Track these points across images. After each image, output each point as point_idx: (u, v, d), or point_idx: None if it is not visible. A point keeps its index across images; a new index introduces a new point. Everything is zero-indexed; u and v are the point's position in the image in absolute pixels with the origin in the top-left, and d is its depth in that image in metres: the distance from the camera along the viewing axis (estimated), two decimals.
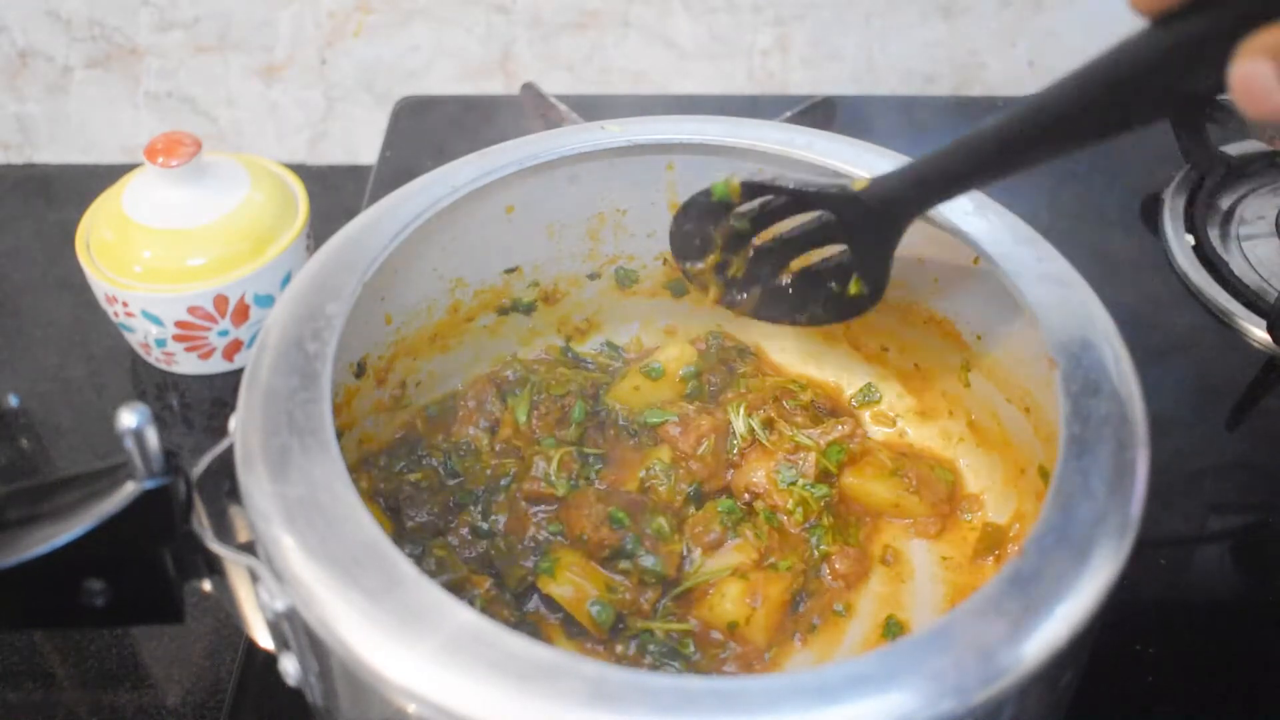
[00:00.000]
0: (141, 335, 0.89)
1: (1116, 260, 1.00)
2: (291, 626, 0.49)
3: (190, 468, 0.52)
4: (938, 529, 0.70)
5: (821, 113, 1.06)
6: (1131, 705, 0.70)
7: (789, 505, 0.70)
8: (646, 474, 0.70)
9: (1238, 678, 0.71)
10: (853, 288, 0.65)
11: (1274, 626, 0.74)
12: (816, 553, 0.68)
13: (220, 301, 0.86)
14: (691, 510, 0.70)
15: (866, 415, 0.77)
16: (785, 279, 0.67)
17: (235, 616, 0.55)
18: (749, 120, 0.72)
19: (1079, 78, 0.45)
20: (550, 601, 0.65)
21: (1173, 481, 0.82)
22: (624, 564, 0.66)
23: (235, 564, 0.51)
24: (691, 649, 0.64)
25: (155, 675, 0.73)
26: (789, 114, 1.04)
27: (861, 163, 0.67)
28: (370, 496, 0.68)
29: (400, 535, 0.67)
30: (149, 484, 0.48)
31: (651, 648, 0.64)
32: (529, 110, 1.05)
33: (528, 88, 1.06)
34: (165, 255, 0.85)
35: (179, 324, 0.87)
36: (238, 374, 0.77)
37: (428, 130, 1.14)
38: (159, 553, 0.51)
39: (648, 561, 0.66)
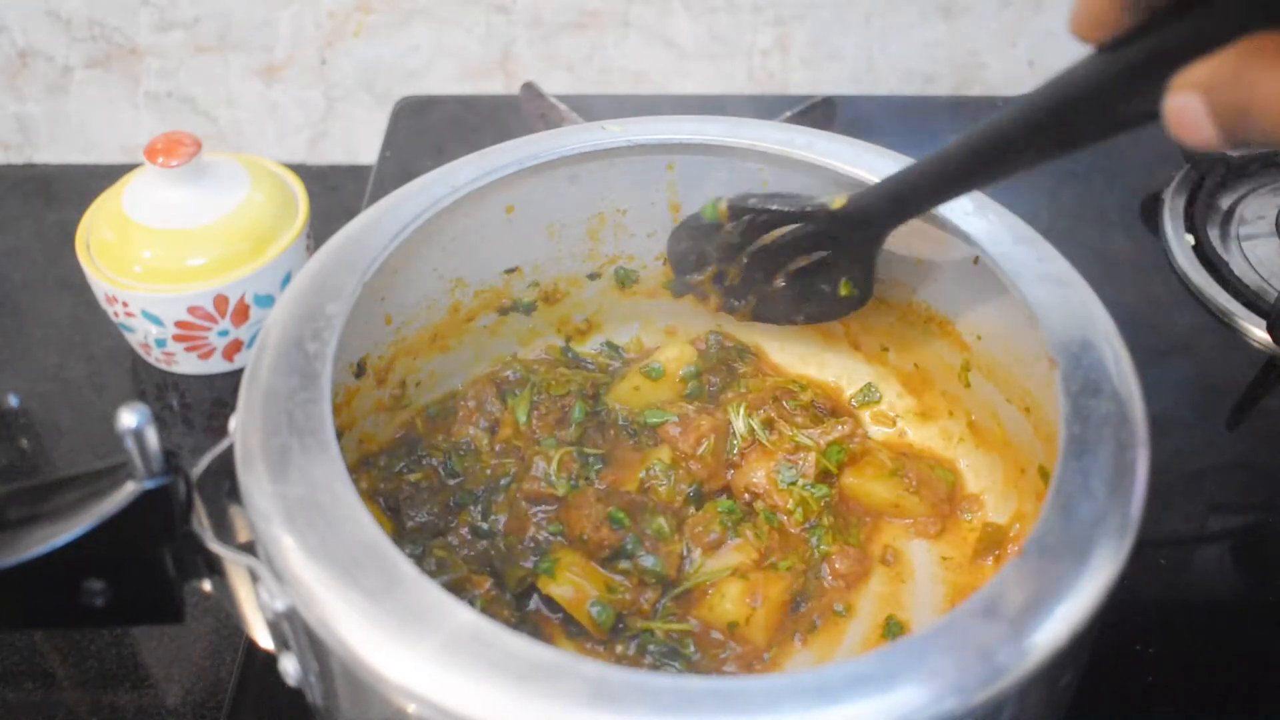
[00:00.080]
0: (141, 335, 0.89)
1: (1116, 260, 1.00)
2: (291, 626, 0.49)
3: (190, 468, 0.52)
4: (938, 529, 0.70)
5: (821, 113, 1.06)
6: (1131, 705, 0.70)
7: (789, 505, 0.70)
8: (646, 474, 0.70)
9: (1238, 678, 0.71)
10: (843, 289, 0.70)
11: (1274, 626, 0.74)
12: (817, 553, 0.68)
13: (220, 301, 0.86)
14: (691, 510, 0.70)
15: (866, 415, 0.77)
16: (779, 282, 0.71)
17: (235, 616, 0.55)
18: (749, 120, 0.72)
19: (1029, 102, 0.49)
20: (550, 601, 0.65)
21: (1173, 481, 0.82)
22: (624, 564, 0.66)
23: (235, 564, 0.51)
24: (691, 649, 0.64)
25: (155, 675, 0.73)
26: (789, 114, 1.04)
27: (861, 163, 0.67)
28: (370, 496, 0.68)
29: (400, 535, 0.67)
30: (149, 484, 0.48)
31: (651, 648, 0.64)
32: (529, 110, 1.05)
33: (528, 88, 1.06)
34: (165, 255, 0.85)
35: (179, 324, 0.87)
36: (238, 374, 0.77)
37: (428, 130, 1.14)
38: (159, 553, 0.51)
39: (648, 561, 0.66)
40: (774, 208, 0.68)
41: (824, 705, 0.42)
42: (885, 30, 1.16)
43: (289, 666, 0.53)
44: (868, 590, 0.68)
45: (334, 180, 1.20)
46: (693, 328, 0.81)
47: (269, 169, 0.93)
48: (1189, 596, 0.76)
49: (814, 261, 0.69)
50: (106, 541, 0.48)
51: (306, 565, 0.47)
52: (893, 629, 0.66)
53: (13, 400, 0.93)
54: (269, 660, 0.56)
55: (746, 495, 0.71)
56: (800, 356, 0.80)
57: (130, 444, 0.47)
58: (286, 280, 0.88)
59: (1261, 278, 0.96)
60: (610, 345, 0.81)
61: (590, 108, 1.01)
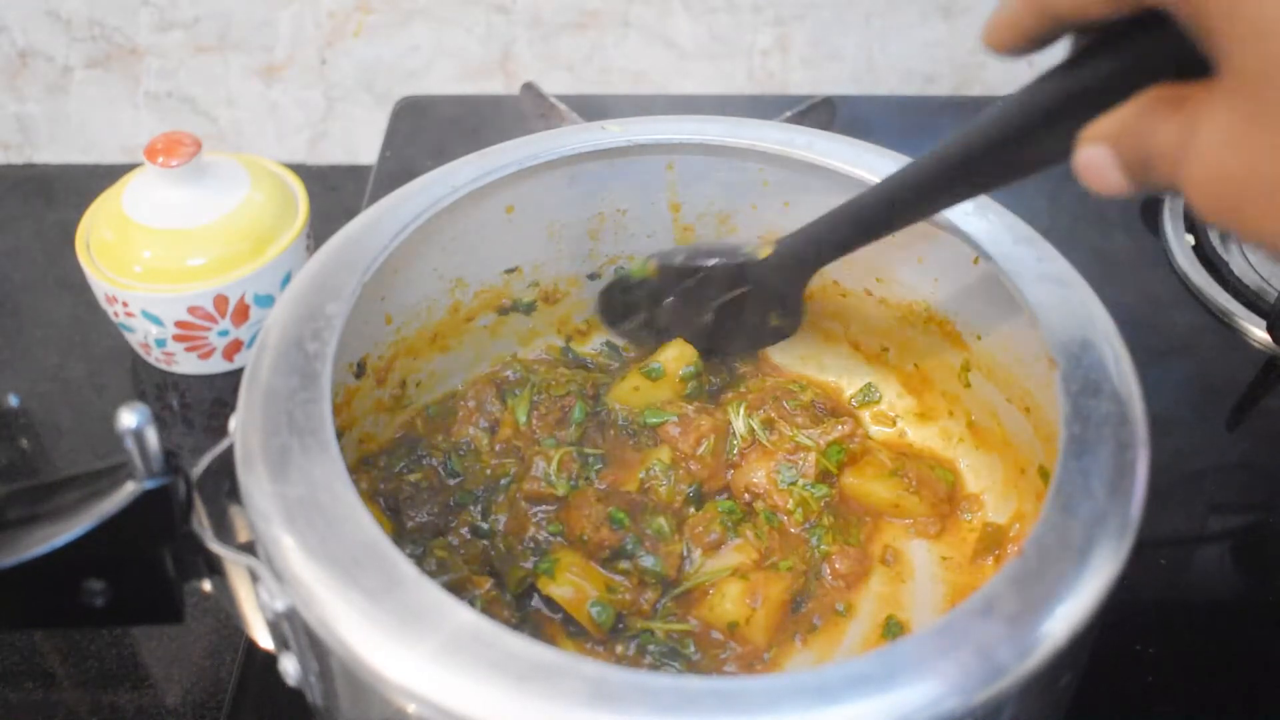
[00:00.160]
0: (141, 335, 0.89)
1: (1116, 260, 1.00)
2: (291, 626, 0.49)
3: (190, 468, 0.52)
4: (938, 529, 0.70)
5: (821, 113, 1.06)
6: (1131, 705, 0.70)
7: (789, 505, 0.70)
8: (646, 474, 0.70)
9: (1238, 678, 0.71)
10: (772, 320, 0.73)
11: (1274, 626, 0.74)
12: (817, 553, 0.68)
13: (220, 301, 0.86)
14: (691, 510, 0.70)
15: (866, 415, 0.77)
16: (707, 317, 0.73)
17: (235, 616, 0.55)
18: (749, 120, 0.72)
19: (942, 153, 0.53)
20: (550, 601, 0.65)
21: (1173, 481, 0.82)
22: (624, 564, 0.66)
23: (235, 564, 0.51)
24: (692, 649, 0.64)
25: (155, 675, 0.73)
26: (789, 114, 1.04)
27: (861, 163, 0.67)
28: (370, 497, 0.68)
29: (400, 535, 0.67)
30: (149, 484, 0.48)
31: (652, 648, 0.64)
32: (529, 110, 1.05)
33: (528, 88, 1.06)
34: (165, 255, 0.85)
35: (179, 324, 0.87)
36: (238, 374, 0.77)
37: (428, 130, 1.14)
38: (159, 553, 0.51)
39: (647, 562, 0.66)
40: (702, 263, 0.71)
41: (824, 705, 0.42)
42: (885, 30, 1.16)
43: (289, 666, 0.53)
44: (868, 590, 0.68)
45: (334, 180, 1.20)
46: None
47: (269, 169, 0.93)
48: (1189, 596, 0.76)
49: (740, 296, 0.71)
50: (106, 541, 0.48)
51: (306, 565, 0.47)
52: (893, 629, 0.66)
53: (13, 400, 0.93)
54: (269, 660, 0.56)
55: (746, 495, 0.71)
56: (800, 356, 0.80)
57: (130, 444, 0.47)
58: (286, 280, 0.88)
59: (1261, 278, 0.96)
60: (610, 345, 0.81)
61: (590, 108, 1.01)
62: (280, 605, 0.48)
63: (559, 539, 0.67)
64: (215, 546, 0.51)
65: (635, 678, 0.43)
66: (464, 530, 0.68)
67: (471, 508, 0.69)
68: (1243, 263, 0.97)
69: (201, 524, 0.52)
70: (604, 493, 0.69)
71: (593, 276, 0.78)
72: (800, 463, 0.71)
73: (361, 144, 1.22)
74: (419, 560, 0.65)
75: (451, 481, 0.71)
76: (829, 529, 0.69)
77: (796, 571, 0.67)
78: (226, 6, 1.13)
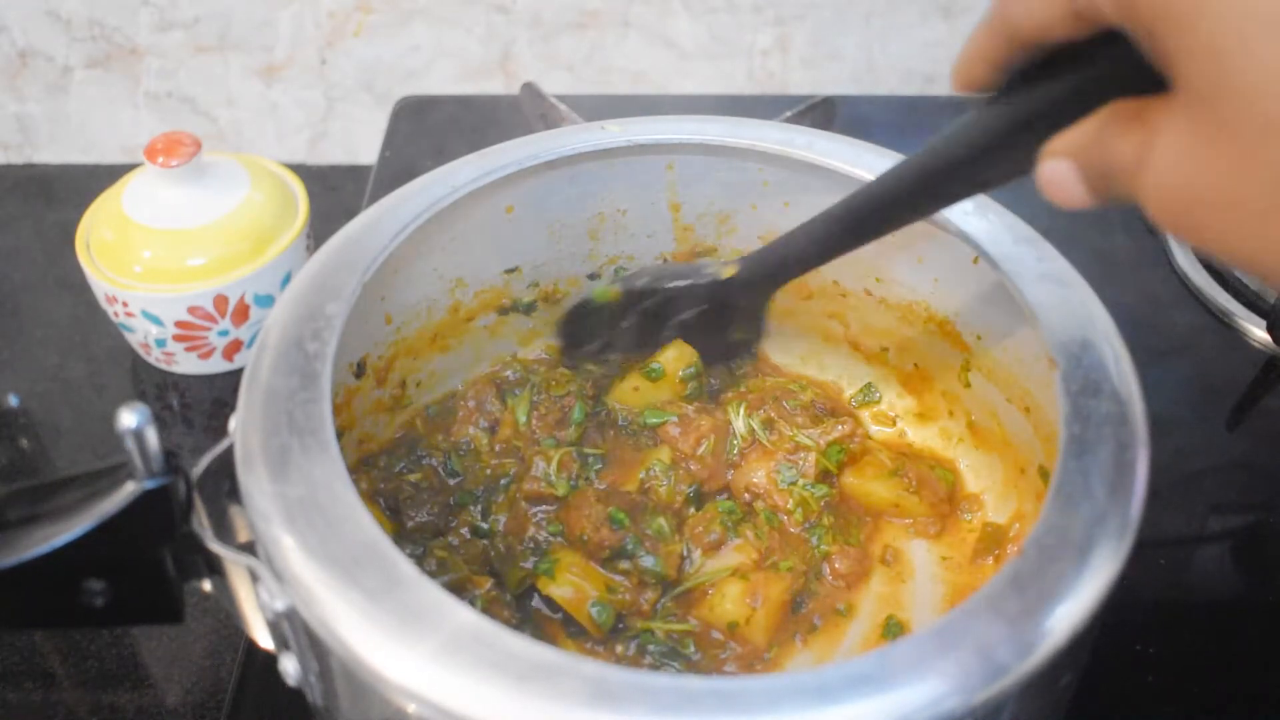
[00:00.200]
0: (141, 335, 0.89)
1: (1116, 260, 1.00)
2: (291, 626, 0.49)
3: (190, 468, 0.52)
4: (938, 529, 0.70)
5: (821, 113, 1.06)
6: (1131, 705, 0.70)
7: (789, 505, 0.70)
8: (647, 474, 0.70)
9: (1238, 678, 0.71)
10: (734, 335, 0.74)
11: (1274, 626, 0.74)
12: (817, 553, 0.68)
13: (220, 301, 0.86)
14: (691, 510, 0.70)
15: (866, 415, 0.77)
16: (668, 334, 0.74)
17: (235, 616, 0.55)
18: (749, 120, 0.72)
19: (904, 170, 0.54)
20: (551, 601, 0.65)
21: (1173, 481, 0.82)
22: (624, 564, 0.66)
23: (235, 564, 0.51)
24: (692, 649, 0.64)
25: (155, 675, 0.73)
26: (789, 114, 1.04)
27: (861, 163, 0.67)
28: (370, 497, 0.68)
29: (400, 535, 0.67)
30: (149, 484, 0.48)
31: (652, 648, 0.64)
32: (529, 110, 1.05)
33: (528, 88, 1.06)
34: (165, 255, 0.85)
35: (179, 324, 0.87)
36: (238, 374, 0.77)
37: (428, 130, 1.14)
38: (159, 553, 0.51)
39: (648, 562, 0.66)
40: (665, 286, 0.71)
41: (824, 705, 0.42)
42: (885, 30, 1.16)
43: (289, 666, 0.53)
44: (868, 590, 0.68)
45: (334, 180, 1.20)
46: None
47: (269, 169, 0.93)
48: (1189, 596, 0.76)
49: (700, 313, 0.72)
50: (106, 541, 0.48)
51: (306, 565, 0.47)
52: (893, 629, 0.66)
53: (13, 400, 0.93)
54: (269, 660, 0.56)
55: (747, 495, 0.71)
56: (800, 356, 0.80)
57: (130, 444, 0.47)
58: (286, 280, 0.88)
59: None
60: None
61: (590, 108, 1.01)
62: (280, 605, 0.48)
63: (559, 539, 0.67)
64: (215, 546, 0.51)
65: (635, 678, 0.43)
66: (464, 530, 0.68)
67: (471, 508, 0.69)
68: None
69: (201, 524, 0.52)
70: (604, 493, 0.69)
71: (593, 276, 0.78)
72: (800, 463, 0.71)
73: (361, 144, 1.22)
74: (419, 560, 0.65)
75: (451, 481, 0.71)
76: (829, 529, 0.69)
77: (797, 572, 0.67)
78: (226, 6, 1.13)
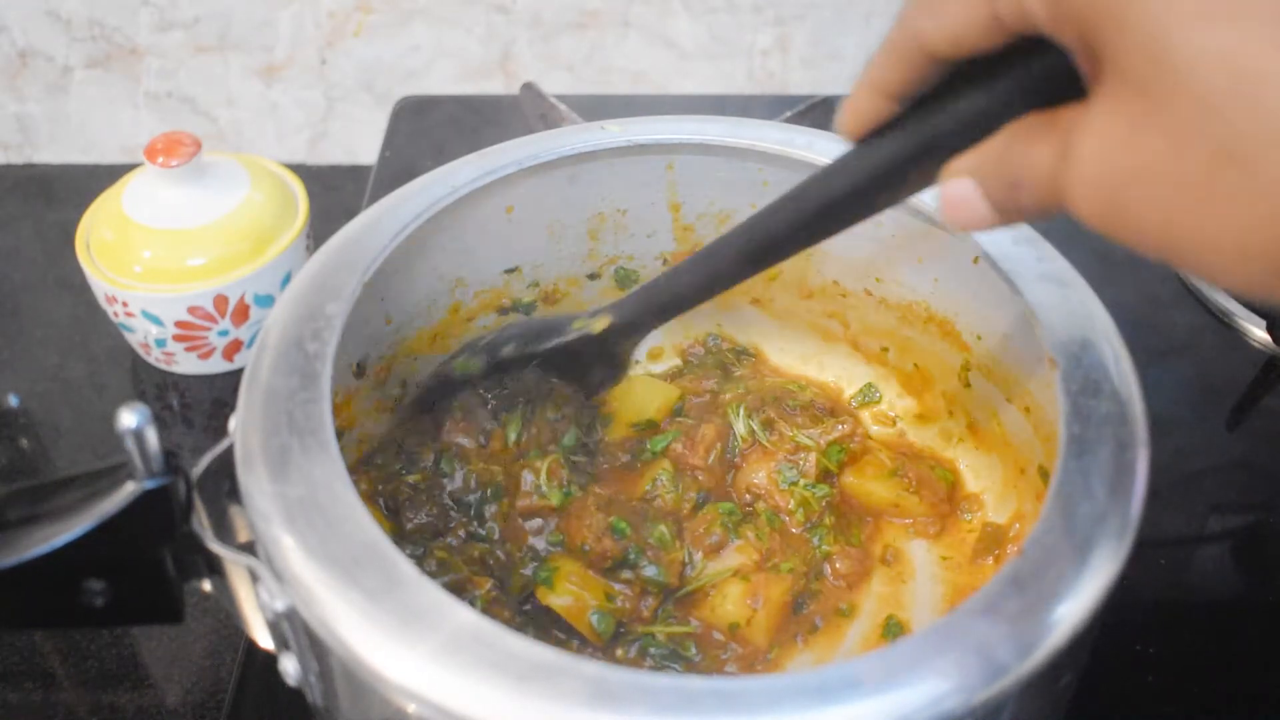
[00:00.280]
0: (141, 335, 0.89)
1: (1116, 260, 0.99)
2: (291, 626, 0.49)
3: (190, 468, 0.52)
4: (938, 529, 0.70)
5: (821, 113, 1.06)
6: (1131, 705, 0.70)
7: (790, 506, 0.70)
8: (653, 486, 0.70)
9: (1238, 678, 0.71)
10: (594, 375, 0.71)
11: (1274, 626, 0.74)
12: (818, 553, 0.68)
13: (220, 301, 0.86)
14: (692, 511, 0.69)
15: (866, 415, 0.77)
16: (528, 380, 0.71)
17: (235, 616, 0.55)
18: (749, 120, 0.72)
19: (796, 202, 0.50)
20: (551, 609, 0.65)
21: (1173, 481, 0.82)
22: (626, 574, 0.66)
23: (235, 564, 0.51)
24: (693, 651, 0.64)
25: (155, 675, 0.73)
26: (789, 114, 1.04)
27: None
28: (370, 497, 0.68)
29: (401, 536, 0.67)
30: (149, 484, 0.48)
31: (653, 650, 0.64)
32: (529, 110, 1.05)
33: (528, 88, 1.06)
34: (165, 255, 0.85)
35: (179, 324, 0.87)
36: (238, 374, 0.77)
37: (428, 130, 1.14)
38: (159, 553, 0.51)
39: (650, 572, 0.65)
40: (532, 351, 0.69)
41: (824, 705, 0.42)
42: (885, 30, 1.16)
43: (289, 666, 0.53)
44: (869, 590, 0.68)
45: (334, 180, 1.20)
46: (691, 329, 0.81)
47: (269, 169, 0.93)
48: (1189, 596, 0.76)
49: (564, 363, 0.70)
50: (106, 541, 0.48)
51: (306, 565, 0.47)
52: (893, 629, 0.66)
53: (13, 400, 0.93)
54: (269, 660, 0.56)
55: (747, 496, 0.71)
56: (800, 356, 0.80)
57: (130, 444, 0.47)
58: (286, 280, 0.88)
59: None
60: None
61: (590, 108, 1.01)
62: (280, 605, 0.48)
63: (558, 549, 0.67)
64: (215, 546, 0.51)
65: (635, 678, 0.43)
66: (462, 533, 0.68)
67: (466, 517, 0.69)
68: None
69: (201, 524, 0.52)
70: (605, 501, 0.68)
71: (593, 276, 0.78)
72: (801, 463, 0.71)
73: (361, 144, 1.22)
74: (419, 561, 0.65)
75: (444, 481, 0.70)
76: (830, 529, 0.69)
77: (797, 573, 0.67)
78: (226, 6, 1.13)
